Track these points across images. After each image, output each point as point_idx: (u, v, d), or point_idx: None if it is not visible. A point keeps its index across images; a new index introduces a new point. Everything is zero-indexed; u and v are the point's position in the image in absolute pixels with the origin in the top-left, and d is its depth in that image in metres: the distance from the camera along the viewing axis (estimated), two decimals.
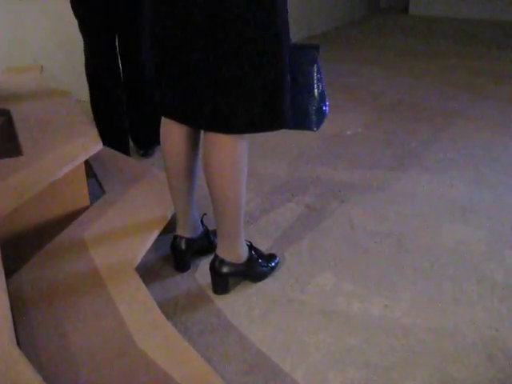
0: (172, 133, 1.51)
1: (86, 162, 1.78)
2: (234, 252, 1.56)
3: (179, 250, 1.67)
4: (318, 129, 1.51)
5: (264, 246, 1.83)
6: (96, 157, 1.92)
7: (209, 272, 1.58)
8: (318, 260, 1.78)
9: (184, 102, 1.38)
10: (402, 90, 3.79)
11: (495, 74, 4.18)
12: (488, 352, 1.39)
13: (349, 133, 2.96)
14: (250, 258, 1.60)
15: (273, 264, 1.71)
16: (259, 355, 1.38)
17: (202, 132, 1.46)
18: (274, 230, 1.96)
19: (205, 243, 1.75)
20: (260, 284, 1.65)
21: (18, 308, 1.29)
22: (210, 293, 1.61)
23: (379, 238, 1.91)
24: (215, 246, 1.64)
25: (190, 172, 1.57)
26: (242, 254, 1.58)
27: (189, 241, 1.67)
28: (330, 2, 6.11)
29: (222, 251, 1.56)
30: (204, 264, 1.74)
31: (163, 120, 1.53)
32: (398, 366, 1.35)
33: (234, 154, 1.39)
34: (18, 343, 1.00)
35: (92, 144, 1.76)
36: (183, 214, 1.64)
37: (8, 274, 1.32)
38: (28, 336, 1.20)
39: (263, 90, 1.32)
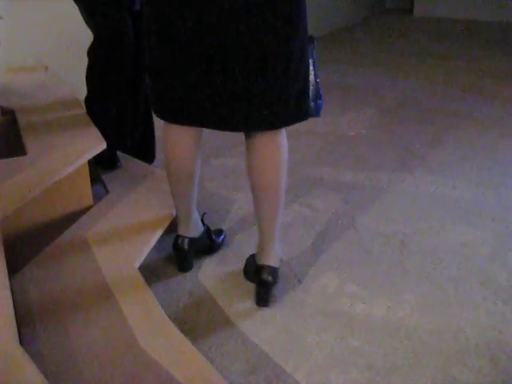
0: (179, 138, 1.48)
1: (90, 162, 1.78)
2: (277, 255, 1.54)
3: (182, 250, 1.67)
4: (319, 115, 1.49)
5: None
6: None
7: (211, 272, 1.58)
8: (321, 261, 1.78)
9: (225, 106, 1.32)
10: (405, 91, 3.79)
11: (500, 76, 4.17)
12: (491, 354, 1.38)
13: (352, 134, 2.95)
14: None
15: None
16: (262, 356, 1.38)
17: (242, 136, 1.42)
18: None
19: (206, 242, 1.75)
20: None
21: (21, 307, 1.29)
22: (213, 293, 1.61)
23: (382, 239, 1.91)
24: (217, 245, 1.63)
25: (194, 174, 1.56)
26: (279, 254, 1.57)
27: (191, 240, 1.67)
28: (334, 3, 6.11)
29: (273, 259, 1.51)
30: (207, 264, 1.74)
31: (167, 126, 1.48)
32: (401, 367, 1.34)
33: (285, 150, 1.41)
34: (21, 342, 1.00)
35: (95, 144, 1.76)
36: (185, 214, 1.63)
37: (11, 273, 1.32)
38: (31, 335, 1.20)
39: (298, 80, 1.33)
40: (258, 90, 1.29)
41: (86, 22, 2.08)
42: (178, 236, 1.67)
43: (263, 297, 1.54)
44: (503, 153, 2.67)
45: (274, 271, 1.51)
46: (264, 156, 1.40)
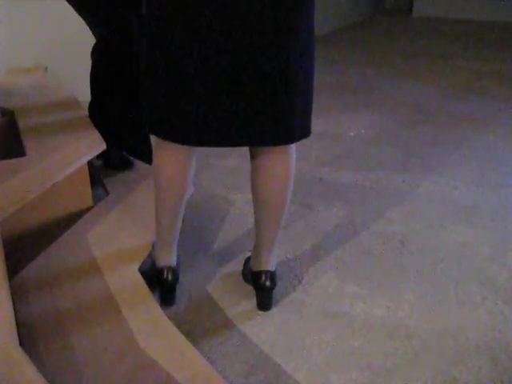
0: (176, 160, 1.35)
1: (90, 164, 1.78)
2: (275, 259, 1.52)
3: (169, 283, 1.50)
4: None
5: None
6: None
7: (211, 273, 1.58)
8: (320, 261, 1.78)
9: (253, 120, 1.25)
10: (405, 91, 3.79)
11: (499, 76, 4.17)
12: (491, 354, 1.38)
13: (352, 134, 2.95)
14: None
15: None
16: (262, 356, 1.38)
17: (251, 150, 1.38)
18: None
19: (180, 266, 1.61)
20: None
21: (21, 308, 1.29)
22: (212, 293, 1.61)
23: (382, 239, 1.91)
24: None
25: (185, 197, 1.44)
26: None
27: (174, 270, 1.51)
28: (333, 3, 6.11)
29: (271, 264, 1.50)
30: (207, 264, 1.74)
31: (163, 147, 1.33)
32: (401, 367, 1.34)
33: (294, 166, 1.39)
34: (21, 343, 1.00)
35: (95, 145, 1.76)
36: (171, 241, 1.50)
37: (11, 274, 1.32)
38: (31, 336, 1.20)
39: (312, 88, 1.33)
40: (292, 105, 1.27)
41: (89, 26, 2.07)
42: (162, 269, 1.48)
43: (264, 303, 1.53)
44: (503, 153, 2.67)
45: (272, 276, 1.49)
46: (274, 169, 1.36)
